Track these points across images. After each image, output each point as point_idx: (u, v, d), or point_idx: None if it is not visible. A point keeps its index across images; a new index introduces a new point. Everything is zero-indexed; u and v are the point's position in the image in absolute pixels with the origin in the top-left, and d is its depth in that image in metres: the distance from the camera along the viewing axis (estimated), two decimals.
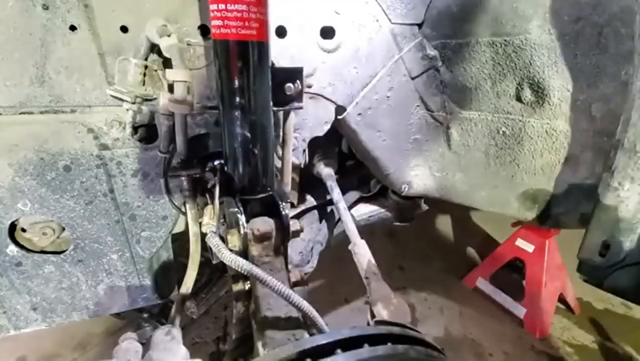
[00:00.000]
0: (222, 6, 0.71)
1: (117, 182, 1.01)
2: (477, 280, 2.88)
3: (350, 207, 1.56)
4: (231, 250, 0.74)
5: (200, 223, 1.03)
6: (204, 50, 0.93)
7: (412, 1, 1.04)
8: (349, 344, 0.50)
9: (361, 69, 1.07)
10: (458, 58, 1.09)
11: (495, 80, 1.07)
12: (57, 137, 0.92)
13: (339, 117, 1.12)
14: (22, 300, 1.09)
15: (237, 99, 0.79)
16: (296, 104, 0.94)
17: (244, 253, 0.85)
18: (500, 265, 2.78)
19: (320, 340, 0.51)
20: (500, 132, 1.13)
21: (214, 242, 0.75)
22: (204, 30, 0.92)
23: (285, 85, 0.89)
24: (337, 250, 1.50)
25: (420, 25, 1.08)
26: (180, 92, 0.85)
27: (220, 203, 0.87)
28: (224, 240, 0.82)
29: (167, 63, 0.91)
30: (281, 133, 1.03)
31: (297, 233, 0.90)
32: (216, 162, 0.99)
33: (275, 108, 0.89)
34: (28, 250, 1.04)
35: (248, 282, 0.84)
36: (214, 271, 1.71)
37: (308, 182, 1.41)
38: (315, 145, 1.30)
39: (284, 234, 0.87)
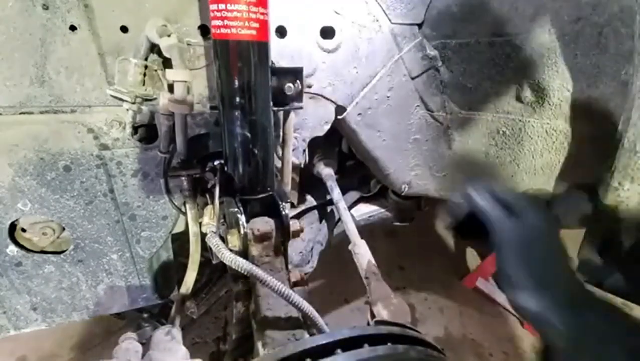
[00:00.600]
0: (222, 6, 0.71)
1: (117, 182, 1.01)
2: (477, 280, 2.87)
3: (350, 207, 1.56)
4: (231, 250, 0.74)
5: (200, 223, 1.03)
6: (204, 50, 0.93)
7: (412, 1, 1.04)
8: (349, 344, 0.50)
9: (361, 69, 1.07)
10: (458, 58, 1.09)
11: (495, 80, 1.07)
12: (57, 137, 0.92)
13: (339, 117, 1.12)
14: (22, 300, 1.09)
15: (237, 99, 0.79)
16: (296, 104, 0.94)
17: (244, 253, 0.85)
18: None
19: (320, 339, 0.51)
20: (500, 132, 1.13)
21: (214, 242, 0.75)
22: (204, 30, 0.92)
23: (285, 85, 0.89)
24: (337, 250, 1.50)
25: (420, 25, 1.08)
26: (180, 92, 0.85)
27: (220, 203, 0.87)
28: (224, 240, 0.82)
29: (167, 63, 0.91)
30: (281, 133, 1.03)
31: (297, 233, 0.90)
32: (216, 162, 0.99)
33: (275, 108, 0.89)
34: (28, 250, 1.04)
35: (248, 282, 0.84)
36: (214, 271, 1.70)
37: (308, 182, 1.41)
38: (315, 145, 1.30)
39: (284, 234, 0.87)
